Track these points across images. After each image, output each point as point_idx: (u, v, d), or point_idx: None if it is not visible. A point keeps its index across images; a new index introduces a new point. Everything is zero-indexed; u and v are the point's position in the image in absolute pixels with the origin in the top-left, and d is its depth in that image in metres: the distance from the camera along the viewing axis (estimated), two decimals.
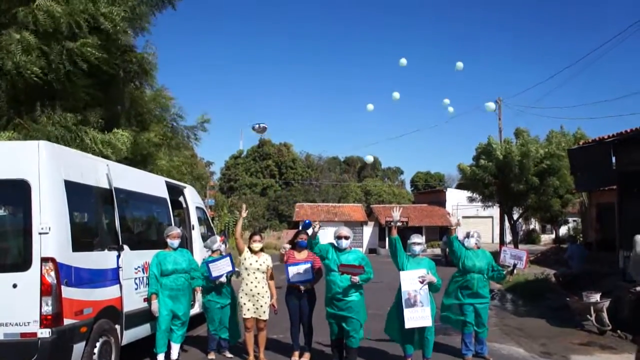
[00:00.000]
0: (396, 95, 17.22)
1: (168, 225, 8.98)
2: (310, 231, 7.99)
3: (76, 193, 6.52)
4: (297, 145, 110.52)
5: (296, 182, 62.69)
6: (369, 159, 21.90)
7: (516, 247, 29.44)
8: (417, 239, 8.13)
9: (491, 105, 21.98)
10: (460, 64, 16.12)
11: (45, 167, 6.06)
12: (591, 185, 21.15)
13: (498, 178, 28.18)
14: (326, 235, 10.00)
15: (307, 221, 8.28)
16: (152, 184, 9.34)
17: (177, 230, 8.40)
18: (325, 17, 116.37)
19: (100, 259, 6.93)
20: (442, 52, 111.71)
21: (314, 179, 63.82)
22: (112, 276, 7.14)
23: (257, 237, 8.35)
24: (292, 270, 8.10)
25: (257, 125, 51.56)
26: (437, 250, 36.04)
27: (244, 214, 8.44)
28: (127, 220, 8.06)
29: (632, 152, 14.25)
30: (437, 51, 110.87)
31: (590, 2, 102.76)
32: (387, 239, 42.28)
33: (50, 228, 5.92)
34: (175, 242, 8.25)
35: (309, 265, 8.09)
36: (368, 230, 48.74)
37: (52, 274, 5.85)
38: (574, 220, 38.63)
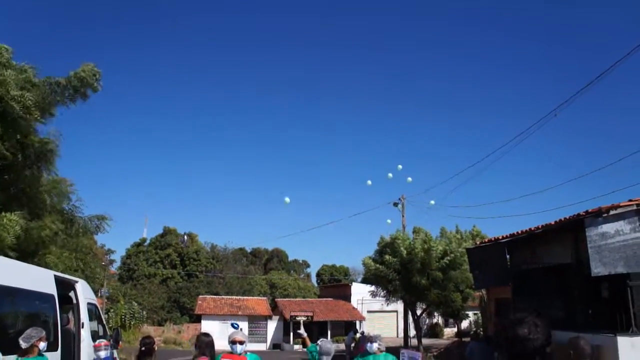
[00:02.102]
0: (287, 200, 20.46)
1: (53, 324, 8.16)
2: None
3: None
4: (203, 235, 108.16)
5: (200, 273, 60.67)
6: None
7: (420, 341, 29.77)
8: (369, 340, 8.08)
9: (390, 175, 27.24)
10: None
11: None
12: (489, 283, 21.78)
13: (401, 273, 28.73)
14: (228, 332, 9.45)
15: (234, 324, 7.76)
16: (36, 279, 8.62)
17: (42, 334, 7.24)
18: (229, 106, 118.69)
19: None
20: (354, 154, 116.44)
21: (218, 271, 62.11)
22: None
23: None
24: None
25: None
26: (342, 346, 35.50)
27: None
28: None
29: (523, 251, 15.01)
30: (349, 153, 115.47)
31: (491, 106, 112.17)
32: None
33: None
34: (42, 345, 7.14)
35: None
36: (272, 325, 47.38)
37: None
38: (474, 314, 39.82)
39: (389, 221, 30.42)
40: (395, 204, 31.23)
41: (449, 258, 27.74)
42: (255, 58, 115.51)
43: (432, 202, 31.62)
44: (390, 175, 26.70)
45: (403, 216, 30.89)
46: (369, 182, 23.66)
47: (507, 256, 15.68)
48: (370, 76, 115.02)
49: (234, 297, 52.54)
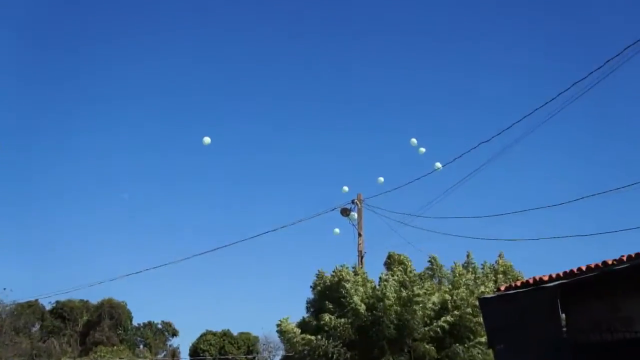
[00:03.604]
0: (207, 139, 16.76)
1: None
2: None
3: None
4: None
5: None
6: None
7: None
8: None
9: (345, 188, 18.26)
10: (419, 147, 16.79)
11: None
12: None
13: (357, 347, 15.34)
14: None
15: None
16: None
17: None
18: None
19: None
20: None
21: None
22: None
23: None
24: None
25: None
26: None
27: None
28: None
29: (592, 305, 10.43)
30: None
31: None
32: None
33: None
34: None
35: None
36: None
37: None
38: None
39: (336, 230, 17.40)
40: (346, 212, 17.75)
41: (450, 318, 14.92)
42: None
43: (439, 165, 16.95)
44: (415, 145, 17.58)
45: (360, 234, 17.24)
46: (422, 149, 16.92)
47: (562, 315, 10.18)
48: None
49: None
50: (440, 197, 18.05)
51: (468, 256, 17.86)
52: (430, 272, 17.68)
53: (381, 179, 18.63)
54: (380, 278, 15.66)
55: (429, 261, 18.03)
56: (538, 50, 65.11)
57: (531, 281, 10.66)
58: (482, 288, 15.12)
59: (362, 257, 17.32)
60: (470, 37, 67.05)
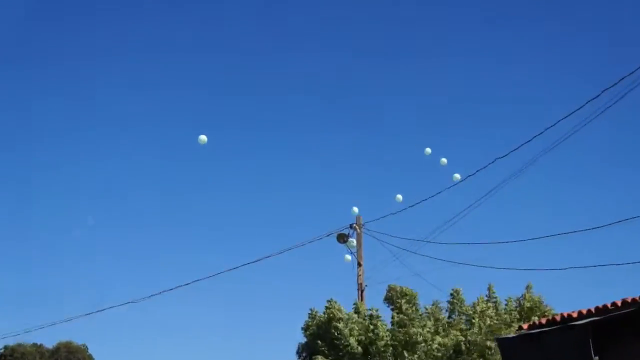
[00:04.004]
0: (203, 138, 15.12)
1: None
2: None
3: None
4: None
5: None
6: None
7: None
8: None
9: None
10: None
11: None
12: None
13: None
14: None
15: None
16: None
17: None
18: None
19: None
20: None
21: None
22: None
23: None
24: None
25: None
26: None
27: None
28: None
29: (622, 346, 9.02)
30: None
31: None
32: None
33: None
34: None
35: None
36: None
37: None
38: None
39: (347, 257, 15.46)
40: (343, 239, 15.68)
41: None
42: None
43: (458, 176, 14.88)
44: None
45: (360, 264, 15.14)
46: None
47: (595, 358, 8.55)
48: None
49: None
50: (455, 219, 15.59)
51: (489, 289, 15.33)
52: (450, 307, 15.29)
53: (399, 196, 16.23)
54: (370, 316, 13.48)
55: (451, 294, 15.62)
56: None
57: (558, 319, 9.74)
58: (504, 328, 12.67)
59: (362, 291, 15.15)
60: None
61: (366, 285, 15.26)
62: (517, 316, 14.08)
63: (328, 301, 14.34)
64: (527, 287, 15.51)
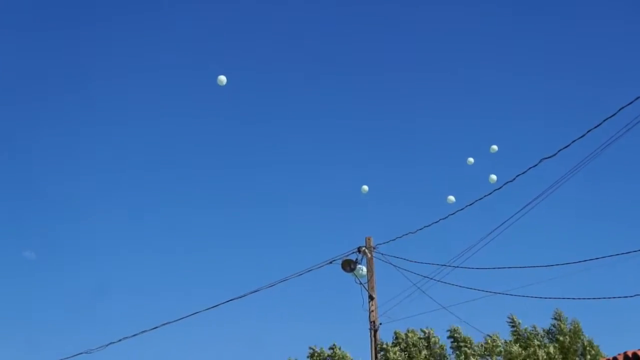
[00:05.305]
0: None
1: None
2: None
3: None
4: None
5: None
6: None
7: None
8: None
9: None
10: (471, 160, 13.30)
11: None
12: None
13: None
14: None
15: None
16: None
17: None
18: None
19: None
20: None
21: None
22: None
23: None
24: None
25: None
26: None
27: None
28: None
29: None
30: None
31: None
32: None
33: None
34: None
35: None
36: None
37: None
38: None
39: (362, 269, 12.03)
40: (349, 265, 12.16)
41: None
42: None
43: (494, 177, 11.73)
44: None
45: (372, 297, 11.65)
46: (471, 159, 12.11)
47: None
48: None
49: None
50: (485, 241, 12.27)
51: (513, 320, 12.22)
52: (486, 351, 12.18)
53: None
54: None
55: (486, 340, 12.56)
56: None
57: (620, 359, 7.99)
58: None
59: (375, 331, 11.83)
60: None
61: (380, 324, 12.03)
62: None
63: (331, 348, 11.37)
64: (557, 317, 12.32)
